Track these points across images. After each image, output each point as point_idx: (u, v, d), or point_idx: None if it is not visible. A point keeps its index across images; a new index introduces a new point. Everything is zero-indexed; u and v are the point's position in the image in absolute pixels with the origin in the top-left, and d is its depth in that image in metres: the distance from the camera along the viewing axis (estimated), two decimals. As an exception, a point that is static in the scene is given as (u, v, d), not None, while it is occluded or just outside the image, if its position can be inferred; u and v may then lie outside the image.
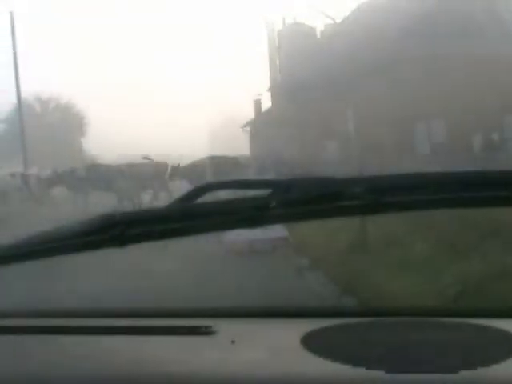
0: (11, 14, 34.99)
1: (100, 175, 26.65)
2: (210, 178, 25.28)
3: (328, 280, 8.89)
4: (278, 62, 43.69)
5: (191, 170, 26.35)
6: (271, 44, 44.42)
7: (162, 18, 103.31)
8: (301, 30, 41.40)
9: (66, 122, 57.95)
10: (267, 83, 44.28)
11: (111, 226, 1.61)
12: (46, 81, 55.54)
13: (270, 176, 27.30)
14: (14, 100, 37.77)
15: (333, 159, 32.24)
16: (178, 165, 27.53)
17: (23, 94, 36.84)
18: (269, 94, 43.97)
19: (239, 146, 48.07)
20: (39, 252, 1.72)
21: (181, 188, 26.56)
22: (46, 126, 54.52)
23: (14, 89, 35.40)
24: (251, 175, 27.47)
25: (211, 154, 27.75)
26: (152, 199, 25.98)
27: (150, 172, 27.01)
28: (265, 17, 44.44)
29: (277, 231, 12.71)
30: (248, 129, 45.04)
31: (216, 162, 26.63)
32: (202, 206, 1.70)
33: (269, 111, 42.89)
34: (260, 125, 42.07)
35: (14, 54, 34.47)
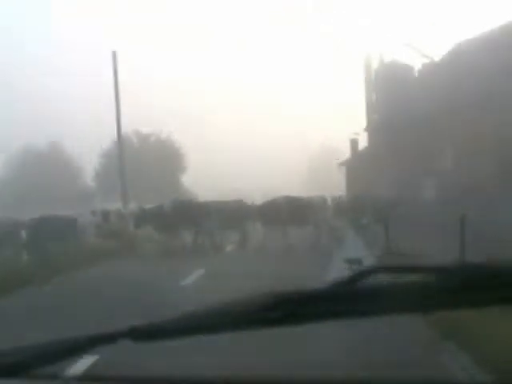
0: (114, 53, 36.09)
1: (186, 211, 26.77)
2: (284, 217, 25.28)
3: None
4: (374, 101, 43.60)
5: (267, 209, 26.35)
6: (368, 82, 44.41)
7: (256, 57, 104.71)
8: (398, 68, 41.27)
9: (165, 158, 58.94)
10: (363, 122, 44.27)
11: (282, 304, 1.63)
12: (145, 117, 56.75)
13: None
14: (114, 135, 38.81)
15: (431, 197, 31.89)
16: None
17: (123, 129, 37.82)
18: (365, 133, 43.88)
19: (335, 184, 48.11)
20: (208, 328, 1.76)
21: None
22: (145, 160, 55.59)
23: (114, 123, 36.35)
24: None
25: (286, 195, 27.51)
26: (241, 238, 26.00)
27: (236, 209, 26.99)
28: (363, 55, 44.26)
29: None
30: (344, 167, 45.03)
31: (290, 202, 26.54)
32: (367, 288, 1.69)
33: (365, 150, 42.80)
34: (356, 163, 42.01)
35: (116, 90, 35.49)
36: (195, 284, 15.18)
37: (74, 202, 51.34)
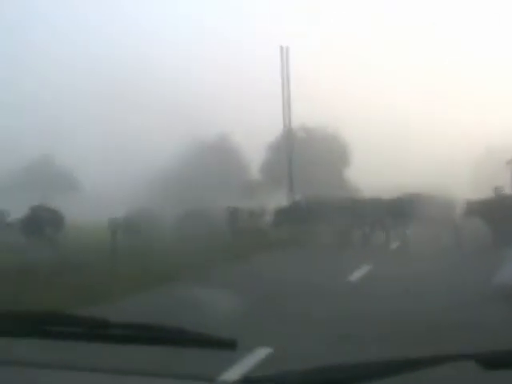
0: (283, 48, 36.63)
1: (320, 208, 26.60)
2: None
3: None
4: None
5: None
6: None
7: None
8: None
9: (331, 152, 59.05)
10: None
11: None
12: (313, 111, 57.06)
13: None
14: (282, 127, 39.53)
15: None
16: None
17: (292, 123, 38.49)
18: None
19: (502, 182, 46.78)
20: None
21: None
22: (311, 154, 55.87)
23: (281, 117, 37.07)
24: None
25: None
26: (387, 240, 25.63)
27: (376, 208, 26.61)
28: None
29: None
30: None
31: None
32: None
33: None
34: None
35: (283, 85, 36.12)
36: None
37: (240, 193, 52.53)
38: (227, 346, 2.14)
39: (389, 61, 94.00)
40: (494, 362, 1.74)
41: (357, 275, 16.50)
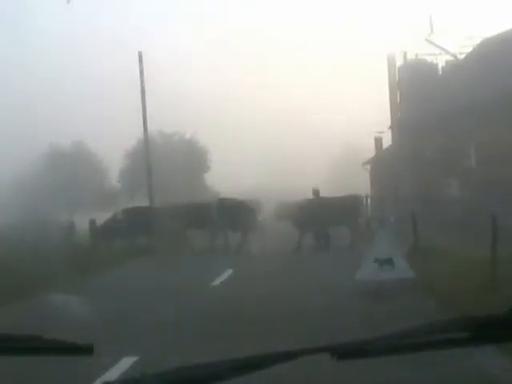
0: (140, 53, 36.53)
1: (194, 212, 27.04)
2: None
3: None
4: (398, 99, 43.50)
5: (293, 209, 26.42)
6: (392, 80, 44.31)
7: (276, 55, 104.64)
8: (421, 66, 41.19)
9: (188, 157, 59.13)
10: (387, 120, 44.19)
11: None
12: (169, 116, 56.84)
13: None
14: (139, 135, 39.30)
15: (456, 195, 31.88)
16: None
17: (148, 128, 38.34)
18: (389, 131, 43.83)
19: (358, 184, 48.06)
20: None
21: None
22: (169, 159, 55.75)
23: (140, 124, 36.88)
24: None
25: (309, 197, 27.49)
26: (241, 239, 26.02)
27: (240, 210, 27.03)
28: (387, 52, 44.10)
29: (405, 272, 12.85)
30: (368, 166, 45.03)
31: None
32: None
33: (390, 148, 42.76)
34: (381, 162, 42.03)
35: (142, 91, 35.93)
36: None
37: (101, 202, 51.69)
38: (84, 351, 2.11)
39: (241, 60, 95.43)
40: (344, 353, 1.83)
41: (218, 279, 16.43)
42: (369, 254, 13.86)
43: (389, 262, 13.01)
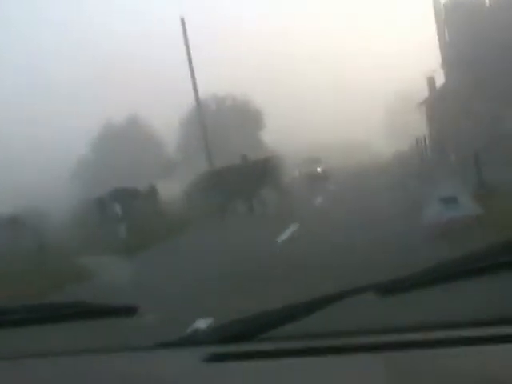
0: (183, 20, 36.53)
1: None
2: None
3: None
4: (447, 36, 42.67)
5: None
6: (438, 18, 43.46)
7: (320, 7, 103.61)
8: (468, 0, 40.29)
9: (243, 118, 59.22)
10: (438, 59, 43.42)
11: None
12: (221, 80, 56.89)
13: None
14: (192, 101, 39.26)
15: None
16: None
17: (200, 95, 38.25)
18: (441, 70, 43.06)
19: (417, 125, 47.48)
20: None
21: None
22: (224, 123, 55.85)
23: (191, 90, 36.88)
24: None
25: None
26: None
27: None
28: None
29: (471, 209, 12.59)
30: (424, 107, 44.40)
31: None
32: None
33: (444, 87, 42.03)
34: (436, 102, 41.35)
35: (189, 57, 35.96)
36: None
37: (160, 173, 52.13)
38: (127, 312, 2.13)
39: (288, 22, 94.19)
40: (391, 289, 1.81)
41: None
42: (431, 194, 13.62)
43: (453, 200, 12.76)
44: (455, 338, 1.70)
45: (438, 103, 40.57)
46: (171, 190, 33.30)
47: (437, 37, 43.69)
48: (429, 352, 1.65)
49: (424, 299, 2.39)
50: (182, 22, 36.39)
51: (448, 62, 41.32)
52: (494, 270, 1.75)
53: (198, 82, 36.76)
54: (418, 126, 45.70)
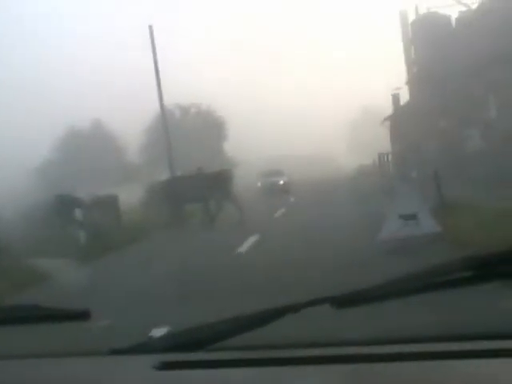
0: (150, 27, 36.39)
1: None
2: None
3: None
4: (413, 54, 43.15)
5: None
6: (405, 36, 43.94)
7: (292, 18, 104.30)
8: (435, 19, 40.69)
9: (206, 128, 59.21)
10: (403, 76, 43.90)
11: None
12: (185, 88, 56.93)
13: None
14: (156, 108, 39.15)
15: (477, 147, 31.58)
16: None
17: (165, 102, 38.14)
18: (406, 87, 43.55)
19: (380, 140, 47.92)
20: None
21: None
22: (187, 131, 55.81)
23: (156, 97, 36.74)
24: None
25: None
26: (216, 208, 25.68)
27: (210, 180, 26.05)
28: (398, 8, 43.75)
29: (430, 227, 12.67)
30: (388, 123, 44.84)
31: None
32: None
33: (408, 104, 42.49)
34: (400, 119, 41.77)
35: (155, 65, 35.83)
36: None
37: (121, 178, 51.83)
38: (81, 317, 2.12)
39: (253, 32, 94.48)
40: (346, 302, 1.83)
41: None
42: (391, 211, 13.68)
43: (413, 217, 12.84)
44: (407, 353, 1.70)
45: (402, 119, 40.99)
46: (131, 196, 33.08)
47: (403, 54, 44.22)
48: (380, 365, 1.66)
49: (378, 313, 2.41)
50: (150, 28, 36.29)
51: (413, 80, 41.77)
52: (449, 286, 1.78)
53: (163, 89, 36.66)
54: (381, 141, 46.14)
